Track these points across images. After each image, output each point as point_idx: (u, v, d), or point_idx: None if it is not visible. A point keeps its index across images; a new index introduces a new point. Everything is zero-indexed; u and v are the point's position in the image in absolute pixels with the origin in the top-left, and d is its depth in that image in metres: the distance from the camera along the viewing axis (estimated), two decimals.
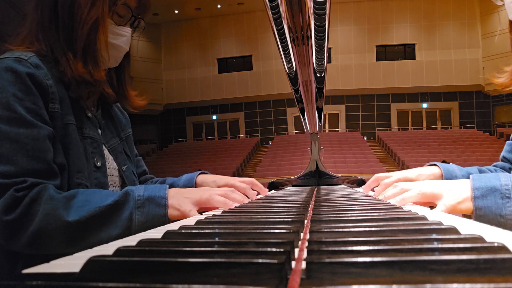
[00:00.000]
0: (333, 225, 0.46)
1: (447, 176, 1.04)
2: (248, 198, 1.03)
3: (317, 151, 2.04)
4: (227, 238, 0.41)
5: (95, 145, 0.93)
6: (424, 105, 18.28)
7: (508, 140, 1.17)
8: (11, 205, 0.71)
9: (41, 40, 0.89)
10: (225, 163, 14.62)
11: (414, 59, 18.00)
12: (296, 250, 0.35)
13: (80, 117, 0.91)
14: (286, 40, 1.04)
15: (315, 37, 0.98)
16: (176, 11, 18.26)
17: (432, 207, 0.77)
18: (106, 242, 0.44)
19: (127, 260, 0.29)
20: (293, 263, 0.30)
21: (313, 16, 0.87)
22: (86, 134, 0.91)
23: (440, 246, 0.30)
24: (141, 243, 0.38)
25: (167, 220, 0.79)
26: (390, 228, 0.41)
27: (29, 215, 0.72)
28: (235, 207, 0.81)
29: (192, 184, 1.13)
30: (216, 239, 0.41)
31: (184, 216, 0.78)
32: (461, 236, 0.35)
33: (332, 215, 0.55)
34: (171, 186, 1.15)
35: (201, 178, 1.15)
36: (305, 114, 1.86)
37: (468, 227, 0.46)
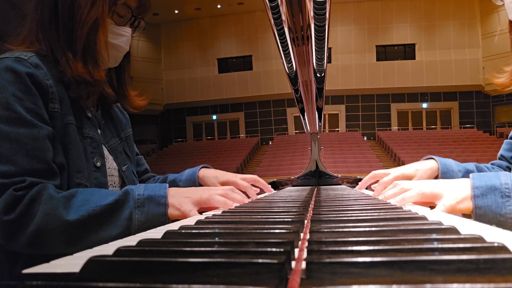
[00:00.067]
0: (333, 225, 0.46)
1: (444, 170, 1.04)
2: (249, 198, 1.03)
3: (317, 151, 2.04)
4: (227, 238, 0.41)
5: (95, 145, 0.93)
6: (424, 105, 18.28)
7: (507, 139, 1.17)
8: (10, 205, 0.71)
9: (41, 40, 0.89)
10: (225, 163, 14.61)
11: (414, 59, 18.01)
12: (296, 250, 0.35)
13: (80, 117, 0.91)
14: (286, 40, 1.04)
15: (315, 37, 0.98)
16: (176, 11, 18.27)
17: (432, 207, 0.77)
18: (106, 241, 0.44)
19: (127, 260, 0.29)
20: (293, 263, 0.30)
21: (313, 16, 0.87)
22: (85, 134, 0.91)
23: (440, 246, 0.30)
24: (141, 243, 0.38)
25: (167, 219, 0.78)
26: (390, 228, 0.41)
27: (29, 214, 0.72)
28: (235, 207, 0.81)
29: (194, 178, 1.12)
30: (216, 239, 0.41)
31: (184, 216, 0.78)
32: (461, 236, 0.35)
33: (332, 215, 0.55)
34: (174, 181, 1.14)
35: (203, 172, 1.14)
36: (305, 114, 1.86)
37: (468, 227, 0.46)
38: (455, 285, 0.21)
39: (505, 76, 1.03)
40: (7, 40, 0.90)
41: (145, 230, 0.57)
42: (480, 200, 0.72)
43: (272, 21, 0.93)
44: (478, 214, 0.73)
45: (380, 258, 0.26)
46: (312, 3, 0.82)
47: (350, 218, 0.52)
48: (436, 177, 1.05)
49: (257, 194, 1.14)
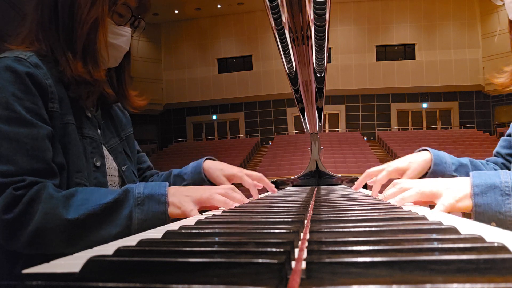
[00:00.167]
0: (333, 225, 0.46)
1: (437, 161, 1.03)
2: (247, 199, 1.03)
3: (317, 151, 2.04)
4: (227, 238, 0.41)
5: (95, 145, 0.93)
6: (424, 105, 18.28)
7: (503, 136, 1.17)
8: (10, 204, 0.71)
9: (41, 40, 0.89)
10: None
11: (414, 59, 18.00)
12: (296, 250, 0.35)
13: (80, 117, 0.91)
14: (286, 40, 1.04)
15: (315, 37, 0.98)
16: (176, 11, 18.26)
17: (432, 207, 0.77)
18: (106, 240, 0.44)
19: (127, 260, 0.29)
20: (293, 263, 0.30)
21: (313, 16, 0.87)
22: (85, 134, 0.91)
23: (440, 246, 0.30)
24: (141, 243, 0.38)
25: (168, 218, 0.78)
26: (390, 228, 0.41)
27: (28, 214, 0.71)
28: (235, 207, 0.81)
29: (199, 170, 1.11)
30: (216, 239, 0.41)
31: (184, 215, 0.78)
32: (461, 236, 0.35)
33: (332, 215, 0.55)
34: (179, 175, 1.14)
35: (208, 164, 1.13)
36: (305, 114, 1.86)
37: (468, 227, 0.46)
38: (455, 285, 0.21)
39: (505, 76, 1.03)
40: (7, 40, 0.90)
41: (145, 229, 0.57)
42: (480, 198, 0.73)
43: (272, 21, 0.93)
44: (477, 212, 0.73)
45: (380, 258, 0.26)
46: (312, 3, 0.82)
47: (350, 218, 0.52)
48: (429, 168, 1.05)
49: (259, 190, 1.13)
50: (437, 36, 17.73)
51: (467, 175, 0.78)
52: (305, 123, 2.05)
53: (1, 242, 0.74)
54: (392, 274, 0.25)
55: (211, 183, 1.12)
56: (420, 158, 1.06)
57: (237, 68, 19.09)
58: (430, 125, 18.39)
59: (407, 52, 18.22)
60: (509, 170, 1.04)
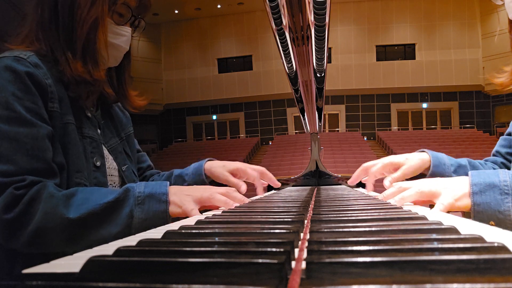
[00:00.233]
0: (333, 225, 0.46)
1: (436, 163, 1.03)
2: (247, 199, 1.03)
3: (317, 151, 2.04)
4: (227, 238, 0.41)
5: (94, 144, 0.93)
6: (424, 105, 18.28)
7: (503, 136, 1.17)
8: (10, 203, 0.71)
9: (41, 40, 0.89)
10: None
11: (414, 59, 18.00)
12: (296, 250, 0.35)
13: (80, 116, 0.91)
14: (286, 40, 1.04)
15: (315, 37, 0.98)
16: (176, 11, 18.26)
17: (432, 207, 0.77)
18: (106, 240, 0.44)
19: (127, 260, 0.29)
20: (293, 263, 0.30)
21: (313, 16, 0.87)
22: (85, 133, 0.91)
23: (440, 246, 0.30)
24: (141, 243, 0.38)
25: (168, 217, 0.78)
26: (390, 228, 0.41)
27: (29, 213, 0.71)
28: (235, 207, 0.81)
29: (200, 171, 1.11)
30: (216, 239, 0.41)
31: (185, 214, 0.78)
32: (461, 236, 0.35)
33: (332, 215, 0.55)
34: (180, 176, 1.14)
35: (209, 164, 1.13)
36: (305, 114, 1.86)
37: (468, 227, 0.46)
38: (455, 285, 0.21)
39: (505, 76, 1.03)
40: (7, 40, 0.90)
41: (145, 228, 0.57)
42: (479, 197, 0.73)
43: (272, 21, 0.93)
44: (476, 211, 0.73)
45: (380, 258, 0.26)
46: (312, 3, 0.82)
47: (350, 218, 0.52)
48: (427, 169, 1.05)
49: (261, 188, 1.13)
50: (437, 36, 17.73)
51: (466, 176, 0.78)
52: (305, 123, 2.05)
53: (1, 242, 0.74)
54: (392, 274, 0.25)
55: (212, 184, 1.11)
56: (417, 156, 1.06)
57: (237, 68, 19.08)
58: (430, 125, 18.39)
59: (407, 52, 18.22)
60: (509, 169, 1.05)
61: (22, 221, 0.71)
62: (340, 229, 0.41)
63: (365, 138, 17.97)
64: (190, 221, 0.61)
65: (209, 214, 0.71)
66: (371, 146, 16.78)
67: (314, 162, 2.03)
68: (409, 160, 1.05)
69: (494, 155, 1.18)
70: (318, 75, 1.31)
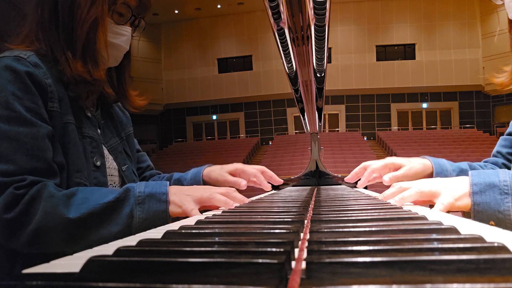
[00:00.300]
0: (333, 225, 0.46)
1: (438, 170, 1.04)
2: (247, 199, 1.03)
3: (317, 151, 2.04)
4: (227, 238, 0.41)
5: (94, 144, 0.93)
6: (424, 105, 18.28)
7: (503, 136, 1.17)
8: (10, 203, 0.71)
9: (41, 40, 0.89)
10: (225, 163, 14.55)
11: (414, 59, 18.00)
12: (296, 250, 0.35)
13: (79, 116, 0.91)
14: (286, 40, 1.04)
15: (315, 37, 0.98)
16: (176, 11, 18.26)
17: (432, 207, 0.77)
18: (107, 239, 0.44)
19: (127, 260, 0.29)
20: (293, 263, 0.30)
21: (313, 16, 0.87)
22: (85, 133, 0.91)
23: (440, 246, 0.30)
24: (141, 243, 0.38)
25: (169, 217, 0.78)
26: (390, 228, 0.41)
27: (29, 213, 0.71)
28: (235, 207, 0.81)
29: (199, 178, 1.12)
30: (216, 239, 0.41)
31: (185, 214, 0.78)
32: (461, 236, 0.35)
33: (332, 215, 0.55)
34: (179, 180, 1.14)
35: (208, 169, 1.14)
36: (305, 114, 1.86)
37: (468, 227, 0.46)
38: (455, 285, 0.21)
39: (505, 76, 1.03)
40: (7, 39, 0.90)
41: (146, 228, 0.57)
42: (479, 197, 0.73)
43: (272, 21, 0.93)
44: (476, 210, 0.73)
45: (380, 258, 0.26)
46: (312, 3, 0.82)
47: (350, 218, 0.52)
48: (430, 175, 1.05)
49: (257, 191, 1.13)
50: (437, 36, 17.72)
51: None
52: (305, 123, 2.05)
53: (1, 242, 0.74)
54: (392, 274, 0.25)
55: None
56: (419, 161, 1.07)
57: (237, 68, 19.08)
58: (430, 125, 18.38)
59: (407, 52, 18.21)
60: (510, 169, 1.04)
61: (22, 221, 0.71)
62: (340, 229, 0.41)
63: (365, 138, 17.96)
64: (190, 221, 0.61)
65: (209, 214, 0.71)
66: (371, 146, 16.77)
67: (314, 162, 2.03)
68: (411, 163, 1.05)
69: (494, 156, 1.17)
70: (318, 75, 1.31)
